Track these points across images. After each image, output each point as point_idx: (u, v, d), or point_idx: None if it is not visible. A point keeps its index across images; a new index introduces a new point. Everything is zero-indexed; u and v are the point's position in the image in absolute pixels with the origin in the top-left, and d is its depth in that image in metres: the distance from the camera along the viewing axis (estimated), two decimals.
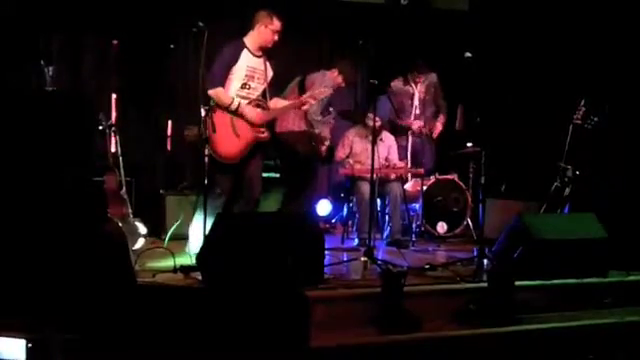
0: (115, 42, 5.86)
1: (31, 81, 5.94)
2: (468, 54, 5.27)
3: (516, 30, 7.32)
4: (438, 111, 7.11)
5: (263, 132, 5.26)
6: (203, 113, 4.88)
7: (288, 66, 6.35)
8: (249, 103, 5.22)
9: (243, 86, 5.19)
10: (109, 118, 5.58)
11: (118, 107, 5.71)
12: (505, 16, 7.51)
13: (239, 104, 5.12)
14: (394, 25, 7.74)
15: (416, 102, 7.00)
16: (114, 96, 5.68)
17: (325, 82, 6.40)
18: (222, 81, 5.10)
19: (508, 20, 7.47)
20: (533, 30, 7.17)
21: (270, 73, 5.36)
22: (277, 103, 5.44)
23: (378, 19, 7.67)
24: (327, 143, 6.62)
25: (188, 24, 4.95)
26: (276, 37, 5.25)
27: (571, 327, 4.42)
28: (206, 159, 4.78)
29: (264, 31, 5.20)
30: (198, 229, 4.97)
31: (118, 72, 5.97)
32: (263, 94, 5.33)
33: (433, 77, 7.08)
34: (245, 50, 5.19)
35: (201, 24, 4.76)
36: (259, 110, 5.27)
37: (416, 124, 6.89)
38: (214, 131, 4.88)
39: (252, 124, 5.19)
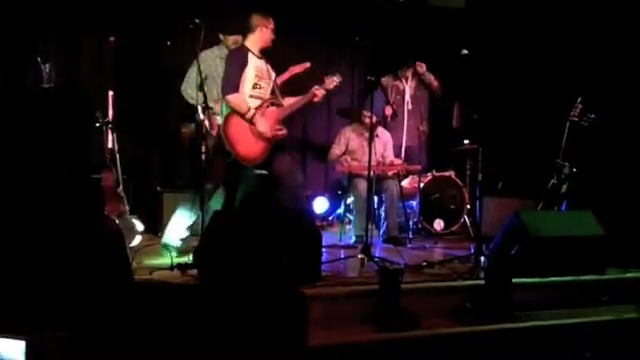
0: (112, 39, 5.84)
1: (28, 78, 5.92)
2: (465, 51, 5.28)
3: (512, 27, 7.33)
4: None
5: (281, 129, 5.31)
6: (200, 112, 4.91)
7: (286, 64, 6.34)
8: (264, 102, 5.30)
9: (255, 86, 5.27)
10: (106, 115, 5.56)
11: (115, 104, 5.69)
12: (501, 13, 7.51)
13: (254, 114, 5.18)
14: (391, 22, 7.73)
15: (407, 97, 7.02)
16: (111, 93, 5.66)
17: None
18: (237, 86, 5.15)
19: (504, 17, 7.47)
20: (530, 27, 7.18)
21: (272, 73, 5.49)
22: (288, 101, 5.54)
23: (375, 16, 7.66)
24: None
25: (185, 21, 4.94)
26: (274, 35, 5.38)
27: (569, 325, 4.43)
28: (202, 156, 4.79)
29: (265, 32, 5.33)
30: (179, 221, 5.11)
31: (115, 69, 5.94)
32: (273, 92, 5.44)
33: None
34: (249, 53, 5.29)
35: (197, 21, 4.77)
36: (273, 108, 5.35)
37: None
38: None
39: (264, 137, 5.22)
